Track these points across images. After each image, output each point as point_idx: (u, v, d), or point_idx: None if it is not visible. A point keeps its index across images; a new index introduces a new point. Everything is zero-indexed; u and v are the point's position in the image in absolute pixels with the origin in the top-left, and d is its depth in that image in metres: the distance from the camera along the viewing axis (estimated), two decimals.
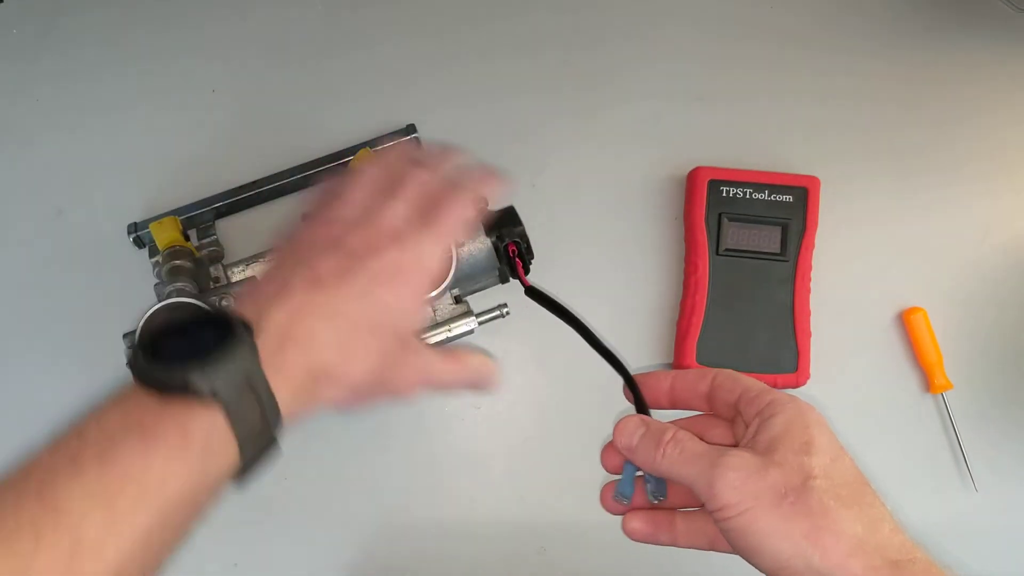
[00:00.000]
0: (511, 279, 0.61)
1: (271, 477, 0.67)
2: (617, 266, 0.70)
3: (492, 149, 0.72)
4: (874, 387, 0.69)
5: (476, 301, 0.60)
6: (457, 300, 0.59)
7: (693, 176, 0.67)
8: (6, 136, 0.73)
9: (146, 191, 0.71)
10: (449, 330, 0.58)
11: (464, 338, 0.59)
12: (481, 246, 0.58)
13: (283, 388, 0.34)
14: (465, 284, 0.60)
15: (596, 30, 0.75)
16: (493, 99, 0.73)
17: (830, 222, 0.67)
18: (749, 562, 0.36)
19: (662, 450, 0.38)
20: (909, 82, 0.74)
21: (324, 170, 0.70)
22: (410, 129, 0.70)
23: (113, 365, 0.60)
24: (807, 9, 0.76)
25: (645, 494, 0.42)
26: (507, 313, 0.60)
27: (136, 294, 0.63)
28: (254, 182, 0.70)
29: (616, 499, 0.42)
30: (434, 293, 0.55)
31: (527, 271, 0.59)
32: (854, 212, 0.71)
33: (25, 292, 0.70)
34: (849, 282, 0.70)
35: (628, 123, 0.73)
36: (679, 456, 0.38)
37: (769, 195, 0.65)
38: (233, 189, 0.70)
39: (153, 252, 0.66)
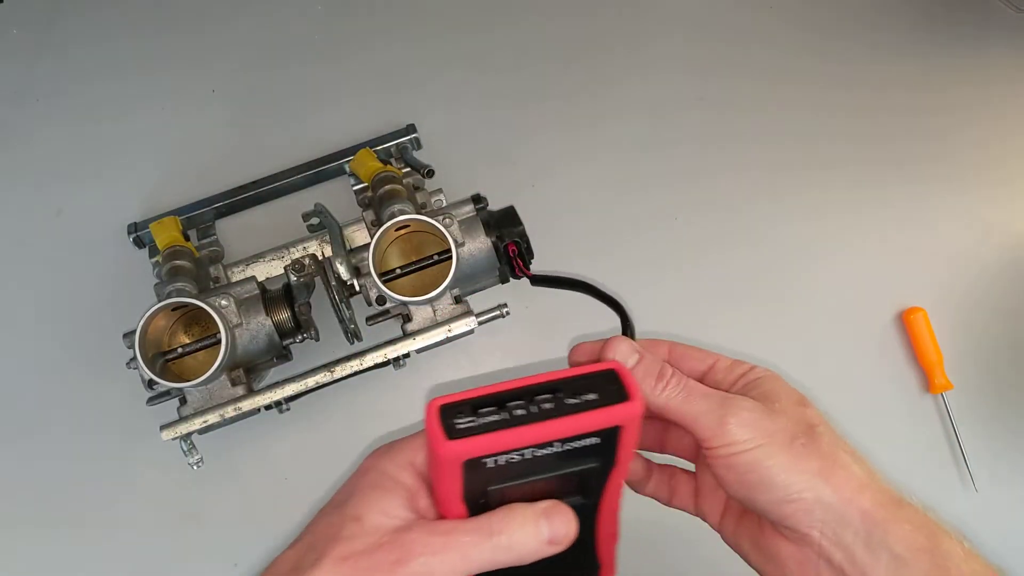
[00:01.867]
0: (511, 279, 0.61)
1: (271, 477, 0.67)
2: (617, 264, 0.70)
3: (492, 149, 0.72)
4: (874, 387, 0.69)
5: (476, 301, 0.60)
6: (457, 300, 0.59)
7: (439, 460, 0.33)
8: (6, 136, 0.73)
9: (146, 191, 0.71)
10: (449, 330, 0.58)
11: (464, 337, 0.59)
12: (481, 246, 0.58)
13: None
14: (465, 284, 0.60)
15: (595, 33, 0.75)
16: (493, 99, 0.73)
17: (831, 221, 0.67)
18: (744, 499, 0.36)
19: (664, 383, 0.38)
20: (909, 82, 0.74)
21: (324, 170, 0.70)
22: (410, 129, 0.70)
23: (113, 365, 0.61)
24: (807, 8, 0.76)
25: None
26: (507, 313, 0.59)
27: (136, 294, 0.63)
28: (254, 182, 0.70)
29: None
30: (434, 293, 0.55)
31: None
32: (854, 212, 0.71)
33: (25, 292, 0.70)
34: (849, 282, 0.70)
35: (627, 123, 0.73)
36: (682, 393, 0.37)
37: (561, 447, 0.34)
38: (233, 189, 0.70)
39: (153, 252, 0.66)
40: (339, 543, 0.33)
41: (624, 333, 0.43)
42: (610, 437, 0.34)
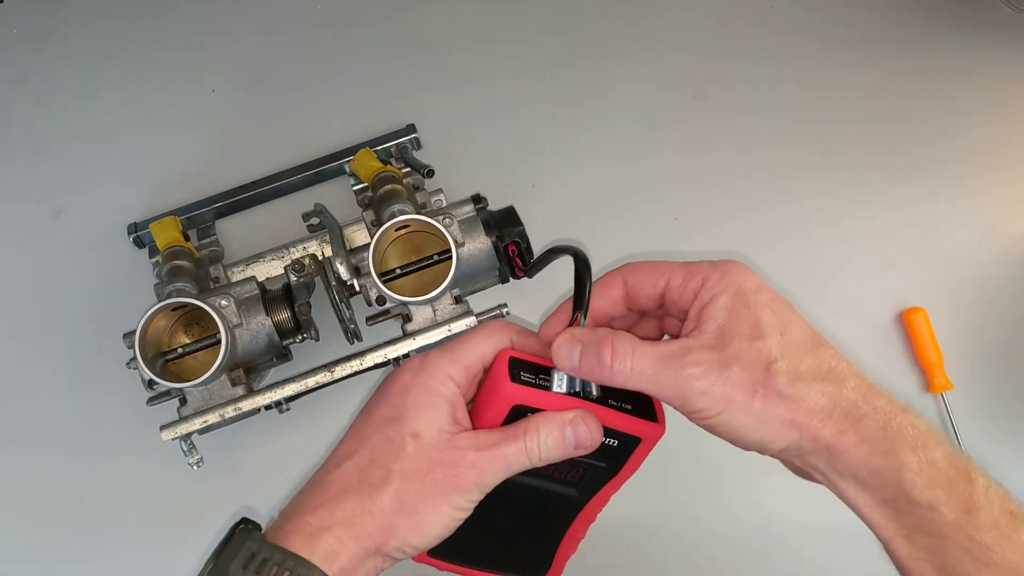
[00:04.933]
0: (511, 279, 0.61)
1: (271, 477, 0.67)
2: (617, 264, 0.70)
3: (492, 149, 0.72)
4: None
5: (476, 301, 0.60)
6: (457, 300, 0.59)
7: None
8: (6, 136, 0.73)
9: (146, 191, 0.71)
10: (449, 330, 0.58)
11: None
12: (481, 246, 0.58)
13: None
14: (465, 284, 0.60)
15: (595, 35, 0.75)
16: (493, 100, 0.73)
17: (831, 221, 0.67)
18: (733, 444, 0.38)
19: (609, 368, 0.37)
20: (910, 82, 0.74)
21: (324, 170, 0.70)
22: (410, 129, 0.70)
23: (113, 365, 0.61)
24: (808, 8, 0.76)
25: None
26: (507, 313, 0.59)
27: (136, 294, 0.63)
28: (254, 182, 0.70)
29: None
30: (434, 293, 0.55)
31: None
32: (854, 211, 0.71)
33: (25, 292, 0.70)
34: (849, 282, 0.70)
35: (627, 123, 0.73)
36: (632, 371, 0.37)
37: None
38: (233, 189, 0.70)
39: (153, 252, 0.66)
40: (402, 460, 0.38)
41: (577, 279, 0.41)
42: (627, 446, 0.41)
